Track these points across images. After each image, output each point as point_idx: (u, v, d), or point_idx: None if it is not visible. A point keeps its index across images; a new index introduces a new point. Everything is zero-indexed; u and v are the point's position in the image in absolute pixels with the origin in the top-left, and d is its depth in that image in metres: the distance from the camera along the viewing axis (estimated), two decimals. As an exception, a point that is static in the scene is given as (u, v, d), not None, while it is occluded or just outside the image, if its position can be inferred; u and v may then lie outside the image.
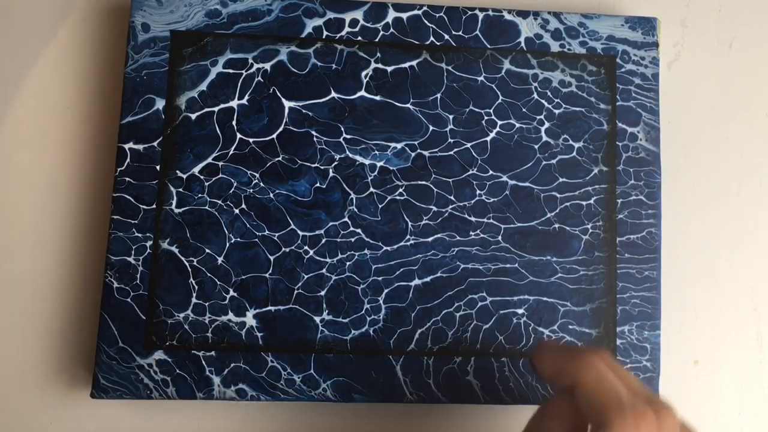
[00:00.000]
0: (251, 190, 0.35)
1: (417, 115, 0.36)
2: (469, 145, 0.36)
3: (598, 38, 0.37)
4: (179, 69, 0.35)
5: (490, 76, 0.36)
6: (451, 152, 0.36)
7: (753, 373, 0.38)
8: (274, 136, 0.35)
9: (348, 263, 0.35)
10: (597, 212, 0.36)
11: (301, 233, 0.35)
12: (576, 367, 0.26)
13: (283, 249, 0.35)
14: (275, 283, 0.34)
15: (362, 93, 0.36)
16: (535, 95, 0.36)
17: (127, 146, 0.35)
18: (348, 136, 0.35)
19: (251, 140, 0.35)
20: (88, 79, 0.37)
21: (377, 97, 0.36)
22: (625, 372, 0.26)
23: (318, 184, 0.35)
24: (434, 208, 0.35)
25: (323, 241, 0.35)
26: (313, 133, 0.35)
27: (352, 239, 0.35)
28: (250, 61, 0.36)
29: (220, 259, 0.34)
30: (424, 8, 0.36)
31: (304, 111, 0.35)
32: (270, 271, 0.34)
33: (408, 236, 0.35)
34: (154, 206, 0.34)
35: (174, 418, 0.36)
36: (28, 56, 0.38)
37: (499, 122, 0.36)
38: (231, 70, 0.35)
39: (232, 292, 0.34)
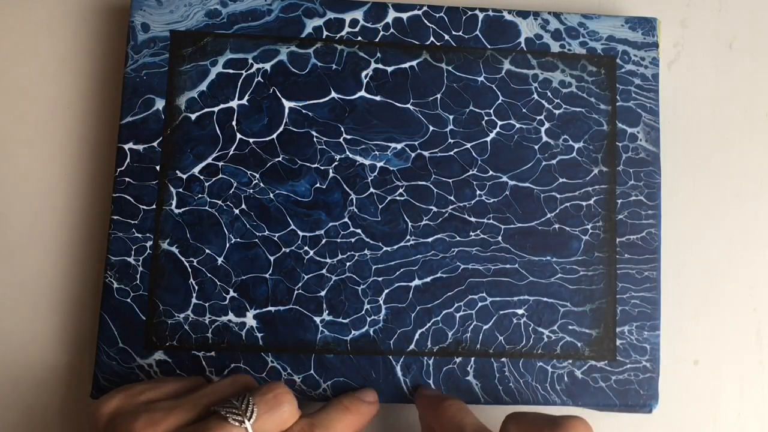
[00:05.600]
0: (251, 191, 0.35)
1: (417, 116, 0.36)
2: (469, 145, 0.36)
3: (598, 38, 0.37)
4: (179, 69, 0.35)
5: (490, 76, 0.36)
6: (451, 152, 0.36)
7: (753, 373, 0.38)
8: (274, 136, 0.35)
9: (348, 263, 0.35)
10: (597, 213, 0.36)
11: (301, 233, 0.35)
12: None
13: (283, 249, 0.35)
14: (275, 283, 0.34)
15: (362, 93, 0.36)
16: (535, 95, 0.36)
17: (126, 146, 0.35)
18: (348, 137, 0.35)
19: (251, 140, 0.35)
20: (88, 79, 0.37)
21: (377, 98, 0.36)
22: None
23: (318, 185, 0.35)
24: (434, 209, 0.35)
25: (323, 241, 0.35)
26: (313, 133, 0.35)
27: (352, 240, 0.35)
28: (250, 61, 0.35)
29: (220, 260, 0.34)
30: (424, 8, 0.36)
31: (304, 111, 0.35)
32: (270, 272, 0.34)
33: (408, 237, 0.35)
34: (154, 206, 0.34)
35: (174, 418, 0.36)
36: (28, 56, 0.38)
37: (499, 122, 0.36)
38: (231, 70, 0.35)
39: (232, 293, 0.34)
